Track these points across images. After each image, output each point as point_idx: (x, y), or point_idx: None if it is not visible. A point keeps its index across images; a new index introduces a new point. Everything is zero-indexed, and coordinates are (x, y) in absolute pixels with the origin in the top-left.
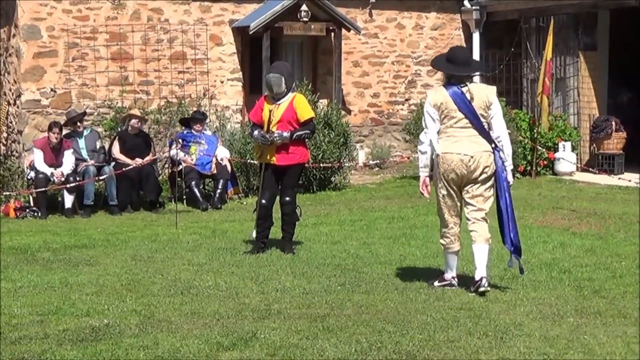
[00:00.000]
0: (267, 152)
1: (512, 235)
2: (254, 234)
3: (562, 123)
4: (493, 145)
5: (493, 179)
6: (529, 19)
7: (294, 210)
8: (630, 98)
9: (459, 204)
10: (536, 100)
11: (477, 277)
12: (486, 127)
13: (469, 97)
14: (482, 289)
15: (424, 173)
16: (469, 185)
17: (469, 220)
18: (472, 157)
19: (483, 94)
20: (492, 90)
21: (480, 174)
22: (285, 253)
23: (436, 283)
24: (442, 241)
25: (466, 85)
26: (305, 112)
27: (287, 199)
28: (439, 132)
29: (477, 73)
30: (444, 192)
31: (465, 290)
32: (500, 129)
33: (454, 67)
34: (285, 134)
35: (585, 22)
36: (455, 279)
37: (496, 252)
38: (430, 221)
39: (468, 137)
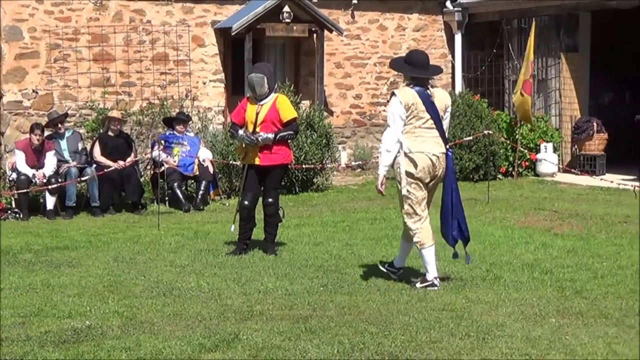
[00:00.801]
0: (250, 153)
1: (463, 229)
2: (233, 228)
3: (544, 124)
4: (447, 147)
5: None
6: (511, 20)
7: (276, 212)
8: (612, 99)
9: (427, 195)
10: (512, 98)
11: (428, 277)
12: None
13: (432, 99)
14: (436, 288)
15: (384, 171)
16: (427, 185)
17: None
18: (438, 157)
19: (443, 97)
20: (448, 94)
21: (441, 175)
22: (268, 254)
23: (418, 284)
24: (417, 239)
25: (428, 88)
26: (288, 112)
27: (270, 200)
28: (405, 132)
29: (436, 77)
30: (413, 187)
31: (447, 291)
32: (447, 131)
33: (416, 70)
34: (270, 135)
35: (566, 24)
36: (438, 279)
37: (478, 252)
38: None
39: (432, 138)
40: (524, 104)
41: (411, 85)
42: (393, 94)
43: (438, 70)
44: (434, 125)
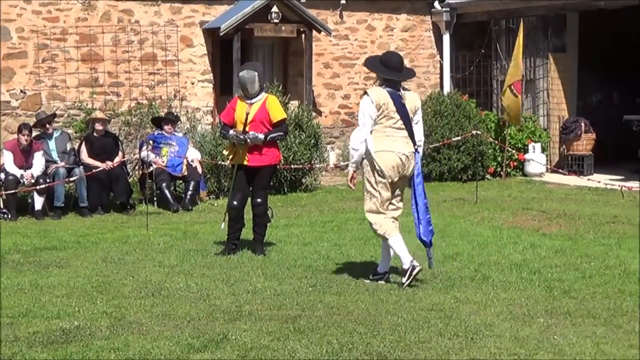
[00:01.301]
0: (240, 153)
1: (430, 230)
2: (223, 225)
3: (532, 124)
4: (415, 147)
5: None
6: (499, 20)
7: (265, 212)
8: (600, 99)
9: (391, 194)
10: (500, 99)
11: (405, 267)
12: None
13: (403, 101)
14: (415, 272)
15: (353, 168)
16: (397, 185)
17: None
18: (407, 156)
19: (413, 99)
20: (418, 97)
21: (410, 174)
22: (257, 254)
23: (404, 280)
24: (381, 231)
25: (400, 89)
26: (278, 113)
27: (259, 200)
28: (375, 131)
29: (409, 79)
30: (380, 186)
31: (435, 291)
32: (421, 133)
33: (390, 71)
34: (260, 135)
35: (554, 24)
36: (415, 261)
37: (467, 252)
38: (400, 222)
39: (402, 138)
40: (517, 103)
41: (383, 86)
42: (365, 92)
43: (411, 73)
44: (403, 126)
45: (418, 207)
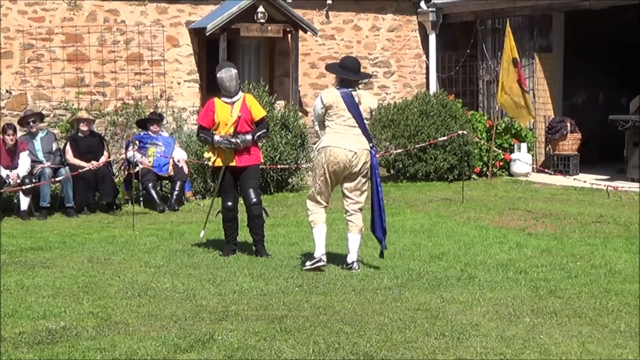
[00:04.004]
0: (226, 155)
1: (383, 225)
2: (202, 234)
3: (518, 124)
4: (371, 145)
5: (369, 174)
6: (485, 20)
7: (262, 213)
8: (585, 99)
9: (331, 191)
10: (496, 102)
11: (349, 260)
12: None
13: (357, 100)
14: (354, 271)
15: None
16: (349, 180)
17: (347, 211)
18: (355, 153)
19: (368, 100)
20: (374, 98)
21: (360, 169)
22: (262, 256)
23: (307, 264)
24: (311, 218)
25: (355, 90)
26: (259, 111)
27: (255, 200)
28: (328, 127)
29: (365, 80)
30: (322, 179)
31: (421, 291)
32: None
33: (346, 72)
34: (248, 137)
35: (540, 24)
36: (324, 256)
37: (453, 252)
38: (387, 222)
39: (353, 135)
40: (529, 100)
41: (338, 87)
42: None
43: (367, 76)
44: (355, 124)
45: (373, 203)
